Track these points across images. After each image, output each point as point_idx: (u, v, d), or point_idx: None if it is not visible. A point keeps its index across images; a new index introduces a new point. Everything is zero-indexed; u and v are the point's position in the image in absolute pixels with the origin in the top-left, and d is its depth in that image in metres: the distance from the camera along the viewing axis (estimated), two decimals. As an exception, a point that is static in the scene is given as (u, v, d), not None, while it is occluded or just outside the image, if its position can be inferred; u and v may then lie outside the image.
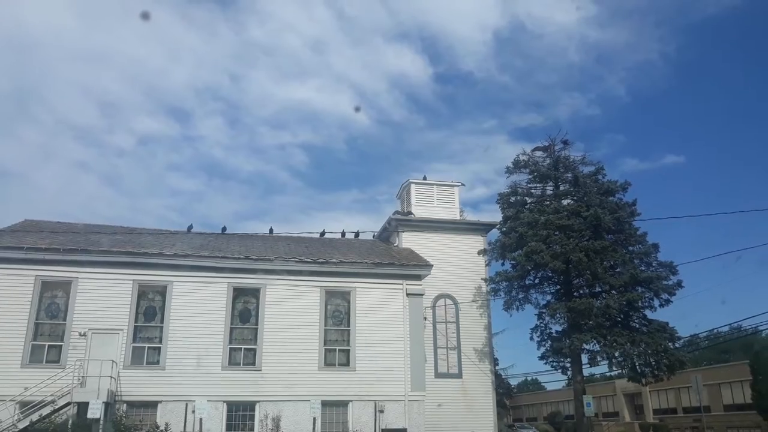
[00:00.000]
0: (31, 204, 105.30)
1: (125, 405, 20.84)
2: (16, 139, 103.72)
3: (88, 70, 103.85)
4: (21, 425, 18.58)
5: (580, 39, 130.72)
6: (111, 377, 20.55)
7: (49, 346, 21.32)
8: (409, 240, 29.12)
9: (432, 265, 25.43)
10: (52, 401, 19.43)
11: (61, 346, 21.32)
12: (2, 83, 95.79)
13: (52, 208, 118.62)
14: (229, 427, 21.63)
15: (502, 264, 29.98)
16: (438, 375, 27.15)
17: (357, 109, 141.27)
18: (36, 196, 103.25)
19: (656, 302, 28.60)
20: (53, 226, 25.51)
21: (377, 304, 24.37)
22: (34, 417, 18.90)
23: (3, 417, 18.72)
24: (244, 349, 22.88)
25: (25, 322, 21.20)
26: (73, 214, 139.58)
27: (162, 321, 22.52)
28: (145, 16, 39.47)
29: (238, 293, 23.63)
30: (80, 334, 21.35)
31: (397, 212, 31.43)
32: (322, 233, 28.91)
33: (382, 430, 22.37)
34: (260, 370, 22.55)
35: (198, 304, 22.79)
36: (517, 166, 32.03)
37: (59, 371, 20.42)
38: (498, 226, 30.85)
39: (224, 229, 28.47)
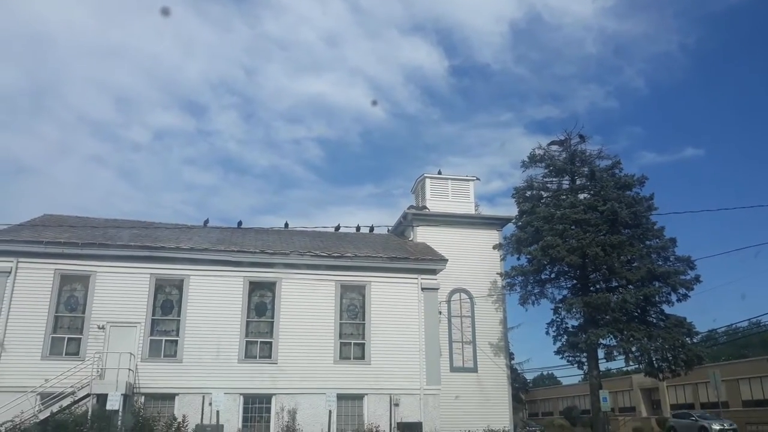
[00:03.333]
0: (49, 199, 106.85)
1: (143, 397, 21.09)
2: (34, 135, 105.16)
3: (104, 65, 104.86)
4: (42, 416, 18.87)
5: (598, 30, 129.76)
6: (129, 369, 20.82)
7: (68, 338, 21.62)
8: (423, 234, 29.16)
9: (447, 260, 25.44)
10: (72, 392, 19.76)
11: (80, 338, 21.63)
12: (20, 80, 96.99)
13: (69, 203, 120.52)
14: (245, 419, 21.82)
15: (518, 258, 30.00)
16: (453, 369, 27.24)
17: (374, 103, 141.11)
18: (54, 190, 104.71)
19: (674, 297, 28.49)
20: (72, 221, 25.83)
21: (392, 298, 24.45)
22: (55, 408, 19.22)
23: (24, 408, 19.03)
24: (260, 342, 23.06)
25: (45, 314, 21.52)
26: (91, 208, 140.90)
27: (179, 314, 22.75)
28: (165, 12, 39.90)
29: (254, 287, 23.80)
30: (99, 327, 21.65)
31: (411, 206, 31.47)
32: (337, 227, 29.04)
33: (398, 423, 22.46)
34: (276, 363, 22.72)
35: (214, 297, 22.99)
36: (533, 160, 31.96)
37: (78, 363, 20.75)
38: (514, 221, 30.82)
39: (240, 223, 28.68)
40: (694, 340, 29.21)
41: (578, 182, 31.62)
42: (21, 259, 21.85)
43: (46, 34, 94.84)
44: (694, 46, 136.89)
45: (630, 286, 27.91)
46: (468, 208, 31.55)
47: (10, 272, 21.62)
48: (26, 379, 20.01)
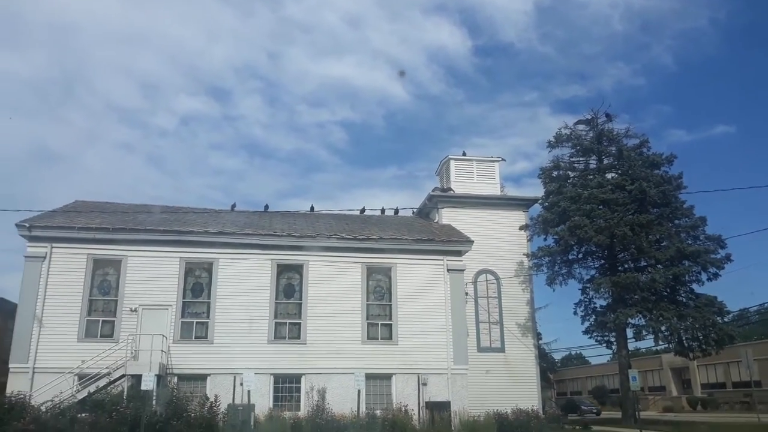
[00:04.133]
0: (79, 185, 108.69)
1: (176, 377, 21.54)
2: (63, 122, 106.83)
3: (129, 51, 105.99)
4: (79, 396, 19.42)
5: (625, 7, 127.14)
6: (162, 351, 21.28)
7: (102, 321, 22.11)
8: (449, 216, 29.15)
9: (472, 241, 25.41)
10: (108, 373, 20.30)
11: (113, 321, 22.11)
12: (49, 69, 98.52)
13: (100, 189, 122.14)
14: (276, 398, 22.19)
15: (545, 239, 29.97)
16: (480, 349, 27.35)
17: (402, 74, 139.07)
18: (84, 177, 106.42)
19: (704, 276, 28.29)
20: (103, 206, 26.30)
21: (418, 279, 24.53)
22: (92, 388, 19.76)
23: (63, 388, 19.59)
24: (289, 323, 23.35)
25: (80, 298, 22.02)
26: (120, 194, 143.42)
27: (209, 297, 23.11)
28: None
29: (282, 269, 24.07)
30: (131, 310, 22.12)
31: (436, 188, 31.46)
32: (362, 210, 29.14)
33: (426, 402, 22.63)
34: (305, 344, 23.01)
35: (243, 280, 23.30)
36: (559, 140, 31.79)
37: (113, 345, 21.26)
38: (540, 201, 30.70)
39: (267, 207, 28.94)
40: (726, 320, 28.92)
41: (605, 161, 31.40)
42: (55, 245, 22.33)
43: (71, 23, 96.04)
44: (725, 20, 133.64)
45: (659, 266, 27.72)
46: (493, 189, 31.42)
47: (45, 257, 22.12)
48: (64, 360, 20.54)
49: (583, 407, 46.04)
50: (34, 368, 20.67)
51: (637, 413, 26.09)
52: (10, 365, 20.82)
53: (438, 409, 22.05)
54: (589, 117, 32.16)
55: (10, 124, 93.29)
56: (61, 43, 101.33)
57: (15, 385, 19.89)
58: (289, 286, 24.05)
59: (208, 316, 22.86)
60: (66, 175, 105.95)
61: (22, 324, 21.20)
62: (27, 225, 22.10)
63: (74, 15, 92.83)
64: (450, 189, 31.00)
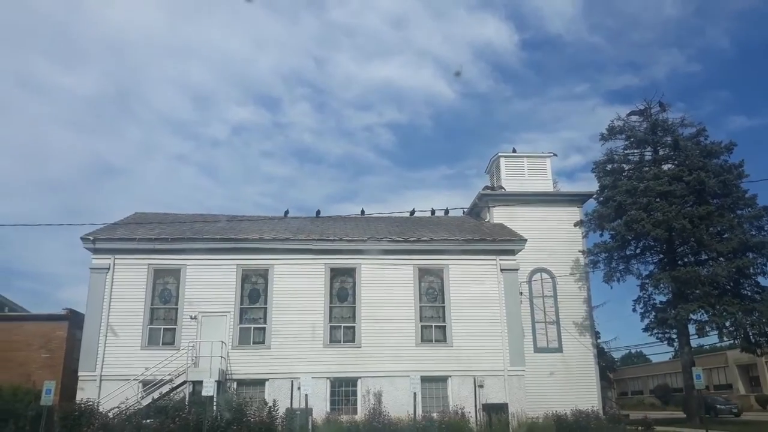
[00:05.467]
0: (137, 197, 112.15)
1: (235, 383, 21.97)
2: (120, 136, 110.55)
3: (180, 65, 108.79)
4: (144, 402, 20.04)
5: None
6: (221, 357, 21.75)
7: (164, 329, 22.74)
8: (500, 215, 28.78)
9: (525, 240, 25.03)
10: (170, 380, 20.89)
11: (174, 329, 22.70)
12: (104, 85, 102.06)
13: (156, 200, 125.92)
14: (333, 402, 22.34)
15: (601, 235, 29.37)
16: (537, 350, 26.92)
17: (457, 74, 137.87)
18: (142, 189, 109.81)
19: (770, 268, 27.05)
20: (161, 218, 27.06)
21: (471, 280, 24.30)
22: (156, 394, 20.35)
23: (129, 395, 20.27)
24: (344, 327, 23.48)
25: (142, 307, 22.70)
26: (177, 204, 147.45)
27: (265, 303, 23.47)
28: None
29: (335, 273, 24.23)
30: (191, 318, 22.66)
31: (486, 187, 31.13)
32: (412, 212, 29.06)
33: (483, 404, 22.38)
34: (360, 347, 23.10)
35: (298, 285, 23.56)
36: (612, 132, 31.11)
37: (174, 352, 21.83)
38: (594, 196, 30.08)
39: (318, 212, 29.24)
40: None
41: (661, 153, 30.57)
42: (117, 256, 23.10)
43: (123, 39, 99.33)
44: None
45: (721, 259, 26.84)
46: (546, 185, 30.87)
47: (108, 269, 22.89)
48: (129, 368, 21.22)
49: (718, 406, 38.00)
50: (101, 376, 21.41)
51: (702, 413, 25.21)
52: (79, 373, 21.62)
53: (495, 411, 21.77)
54: (643, 107, 31.37)
55: (71, 140, 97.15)
56: (115, 59, 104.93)
57: (84, 393, 20.71)
58: (342, 289, 24.20)
59: (265, 322, 23.22)
60: (125, 188, 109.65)
61: (90, 333, 21.98)
62: (91, 238, 22.93)
63: (126, 31, 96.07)
64: (501, 187, 30.62)
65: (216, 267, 23.53)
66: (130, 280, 22.93)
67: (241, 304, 23.42)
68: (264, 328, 23.13)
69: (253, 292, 23.79)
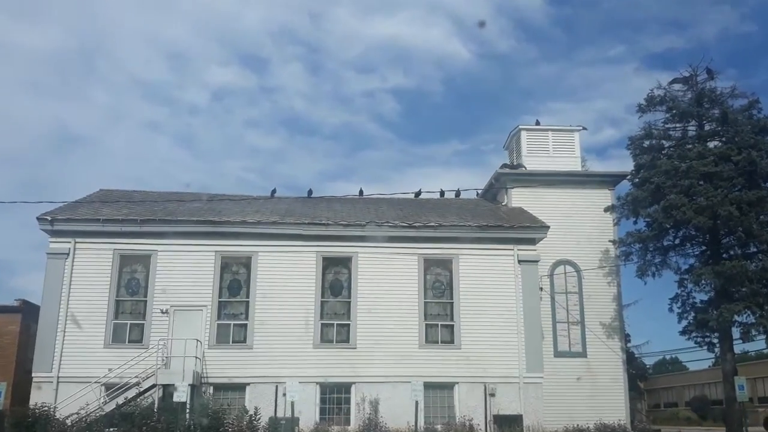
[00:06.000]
0: (103, 170, 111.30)
1: (212, 387, 22.00)
2: (84, 100, 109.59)
3: (154, 18, 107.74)
4: (107, 408, 20.06)
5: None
6: (196, 357, 21.73)
7: (131, 324, 22.74)
8: (519, 197, 28.52)
9: (548, 227, 24.91)
10: (137, 383, 20.88)
11: (143, 324, 22.70)
12: (66, 40, 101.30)
13: (125, 175, 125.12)
14: (323, 411, 22.35)
15: (635, 222, 29.01)
16: (558, 354, 26.78)
17: (482, 24, 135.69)
18: (108, 161, 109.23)
19: (830, 264, 26.84)
20: (129, 195, 26.95)
21: (484, 272, 24.24)
22: (120, 400, 20.37)
23: (89, 399, 20.25)
24: (337, 324, 23.45)
25: (106, 299, 22.69)
26: (148, 180, 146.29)
27: (248, 295, 23.42)
28: None
29: (328, 263, 24.16)
30: (162, 312, 22.62)
31: (504, 165, 30.86)
32: (418, 193, 28.76)
33: (494, 416, 22.39)
34: (355, 348, 23.07)
35: (285, 275, 23.52)
36: (651, 102, 30.66)
37: (142, 351, 21.82)
38: (629, 177, 29.76)
39: (310, 192, 29.03)
40: None
41: (707, 128, 30.14)
42: (78, 240, 23.05)
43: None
44: None
45: (773, 252, 26.57)
46: (573, 164, 30.61)
47: (68, 254, 22.88)
48: (90, 369, 21.24)
49: None
50: (58, 377, 21.50)
51: (744, 429, 25.19)
52: (33, 374, 21.64)
53: (508, 424, 21.83)
54: (687, 74, 30.83)
55: (27, 104, 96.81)
56: (79, 11, 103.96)
57: (39, 397, 20.73)
58: (336, 282, 24.15)
59: (246, 318, 23.18)
60: (88, 160, 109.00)
61: (46, 328, 22.02)
62: (48, 218, 22.89)
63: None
64: (521, 165, 30.36)
65: (191, 254, 23.48)
66: (92, 267, 22.92)
67: (220, 296, 23.38)
68: (245, 325, 23.10)
69: (234, 283, 23.72)
